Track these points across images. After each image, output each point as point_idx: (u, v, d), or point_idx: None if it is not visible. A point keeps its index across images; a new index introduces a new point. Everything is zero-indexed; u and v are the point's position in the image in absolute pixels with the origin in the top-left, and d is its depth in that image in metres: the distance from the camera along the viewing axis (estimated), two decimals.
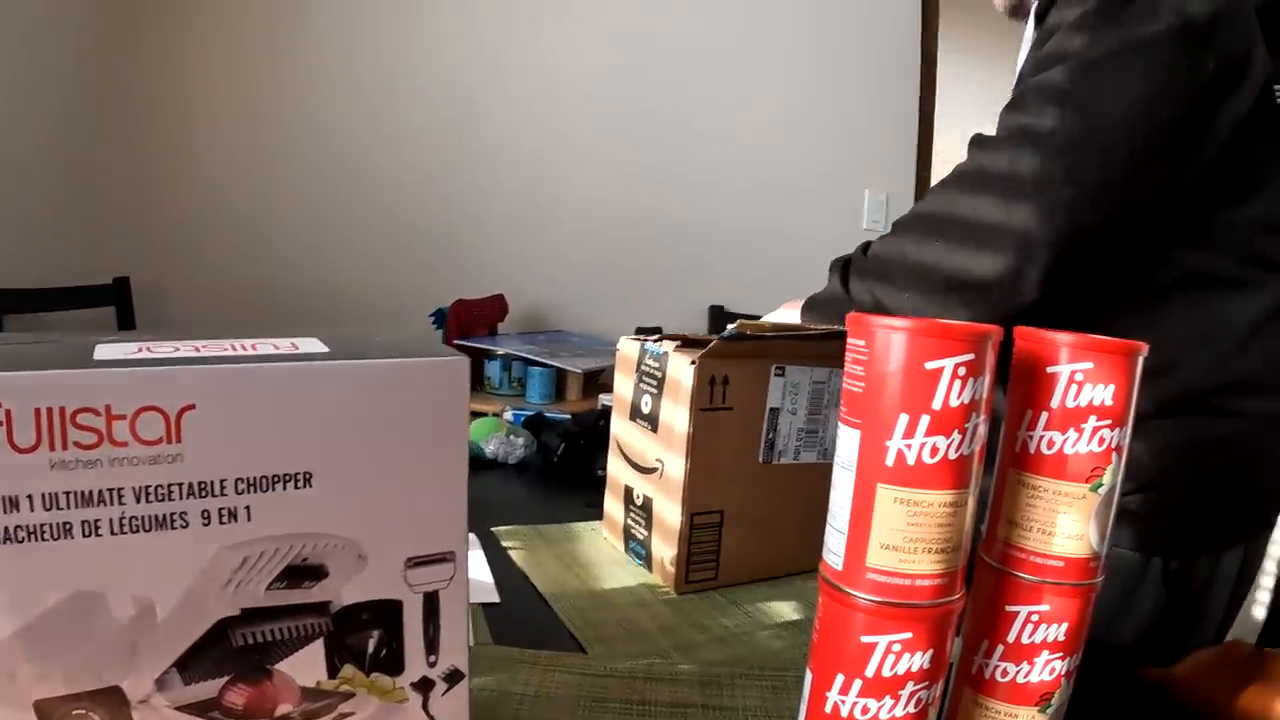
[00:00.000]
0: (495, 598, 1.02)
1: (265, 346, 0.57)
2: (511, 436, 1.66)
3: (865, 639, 0.62)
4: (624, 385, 1.20)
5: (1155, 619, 1.10)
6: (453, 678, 0.64)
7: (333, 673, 0.59)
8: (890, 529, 0.61)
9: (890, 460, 0.60)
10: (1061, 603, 0.70)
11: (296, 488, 0.55)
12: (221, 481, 0.53)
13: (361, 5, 2.87)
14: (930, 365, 0.58)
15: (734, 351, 1.03)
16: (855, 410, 0.63)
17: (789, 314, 1.25)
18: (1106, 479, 0.68)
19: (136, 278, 2.59)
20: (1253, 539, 1.07)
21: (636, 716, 0.78)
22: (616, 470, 1.21)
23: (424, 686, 0.63)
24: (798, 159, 3.41)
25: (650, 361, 1.12)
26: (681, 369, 1.04)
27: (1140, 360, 0.68)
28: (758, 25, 3.36)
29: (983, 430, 0.61)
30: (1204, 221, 1.04)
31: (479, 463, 1.64)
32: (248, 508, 0.54)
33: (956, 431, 0.59)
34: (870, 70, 3.50)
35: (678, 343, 1.11)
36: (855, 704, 0.64)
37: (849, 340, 0.63)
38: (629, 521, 1.16)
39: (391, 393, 0.58)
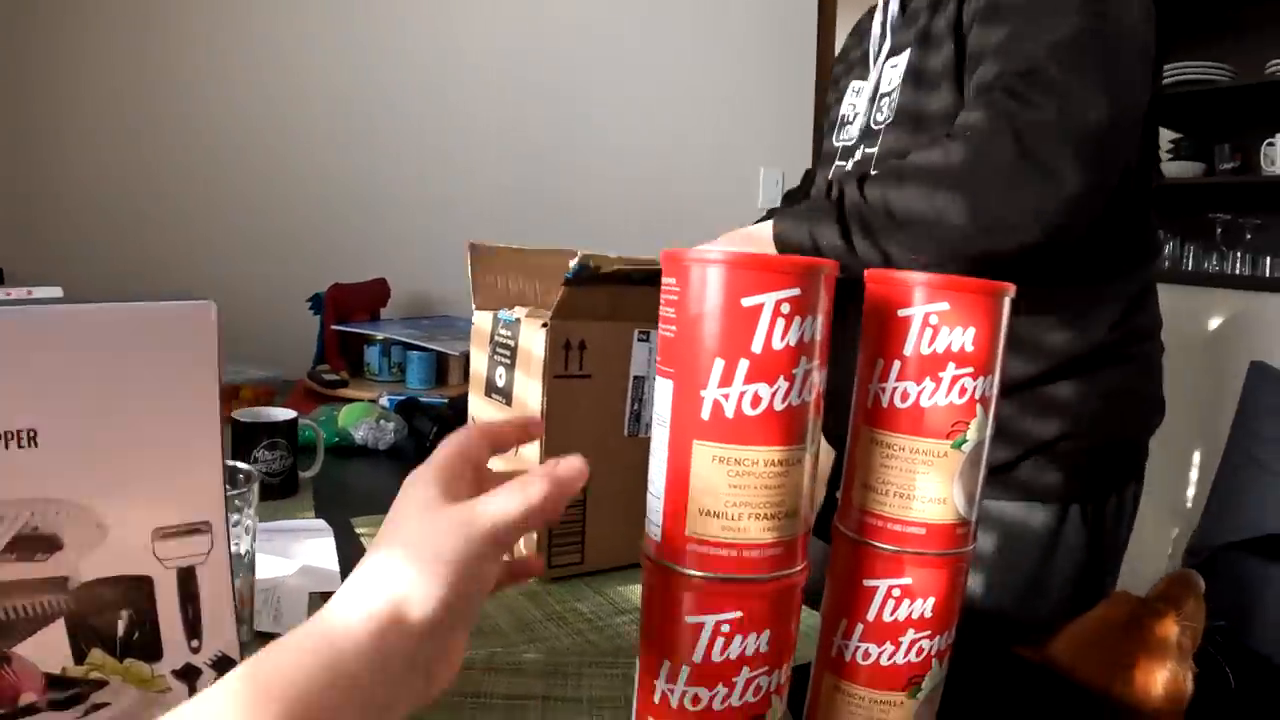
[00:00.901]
0: (337, 586, 0.94)
1: None
2: (382, 421, 1.61)
3: (690, 619, 0.55)
4: (479, 360, 1.11)
5: (1081, 566, 1.16)
6: (222, 665, 0.57)
7: (79, 658, 0.52)
8: (710, 492, 0.53)
9: (706, 413, 0.52)
10: (926, 575, 0.62)
11: (20, 446, 0.48)
12: None
13: None
14: (748, 302, 0.50)
15: (591, 311, 0.95)
16: (669, 358, 0.55)
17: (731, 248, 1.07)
18: (971, 434, 0.60)
19: (8, 270, 2.52)
20: (1139, 473, 1.25)
21: (470, 710, 0.71)
22: None
23: (188, 675, 0.56)
24: (693, 138, 3.33)
25: (503, 331, 1.05)
26: (533, 336, 0.96)
27: (1007, 301, 0.60)
28: (651, 3, 3.29)
29: (818, 380, 0.53)
30: (1128, 184, 1.09)
31: (349, 450, 1.59)
32: None
33: (782, 378, 0.51)
34: (765, 49, 3.42)
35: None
36: (685, 693, 0.56)
37: (663, 280, 0.56)
38: None
39: (127, 342, 0.51)
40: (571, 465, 0.51)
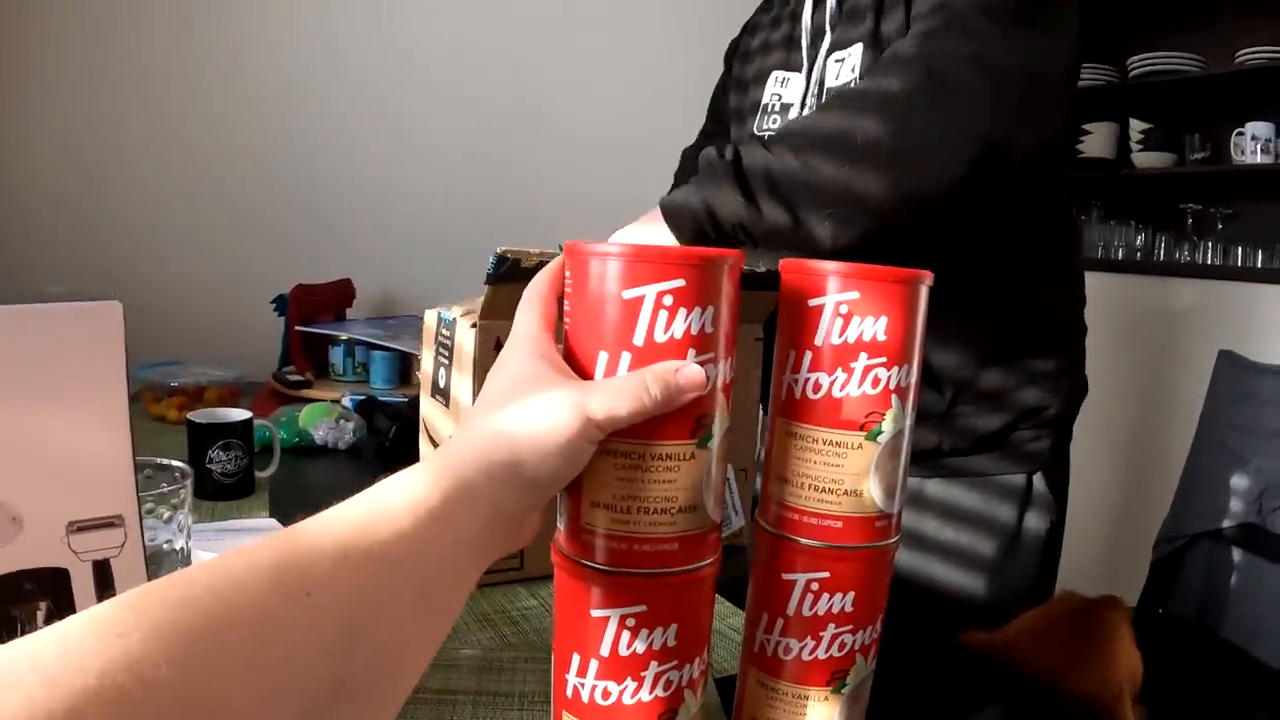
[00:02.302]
0: None
1: None
2: (341, 421, 1.60)
3: (596, 613, 0.54)
4: (427, 360, 1.09)
5: (1048, 535, 1.23)
6: None
7: None
8: (600, 485, 0.52)
9: None
10: (845, 569, 0.61)
11: None
12: None
13: None
14: (629, 294, 0.50)
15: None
16: (567, 353, 0.54)
17: (651, 230, 1.05)
18: (887, 425, 0.59)
19: None
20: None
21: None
22: (426, 454, 1.11)
23: None
24: (650, 135, 3.28)
25: (444, 331, 1.02)
26: (466, 334, 0.95)
27: (924, 290, 0.60)
28: (607, 1, 3.29)
29: (718, 371, 0.53)
30: (1056, 176, 1.20)
31: (309, 450, 1.58)
32: None
33: None
34: (724, 47, 3.36)
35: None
36: (595, 687, 0.55)
37: (566, 272, 0.55)
38: None
39: (35, 341, 0.52)
40: (691, 377, 0.50)
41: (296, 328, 2.20)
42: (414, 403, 1.63)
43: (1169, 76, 3.18)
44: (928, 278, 0.60)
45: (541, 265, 0.87)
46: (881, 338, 0.58)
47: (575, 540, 0.54)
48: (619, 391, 0.49)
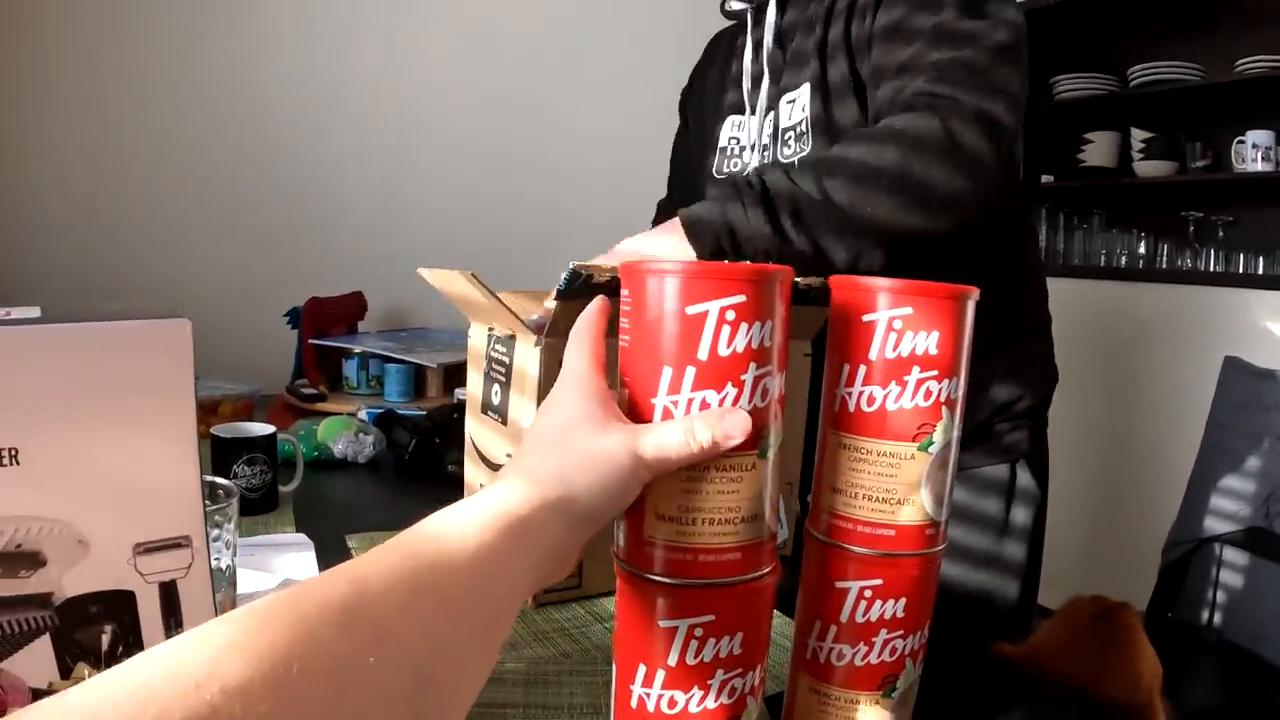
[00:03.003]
0: None
1: None
2: (360, 435, 1.61)
3: (664, 623, 0.55)
4: (474, 380, 1.09)
5: (1034, 523, 1.28)
6: None
7: (65, 672, 0.53)
8: (664, 497, 0.53)
9: (657, 419, 0.53)
10: (897, 576, 0.63)
11: (2, 465, 0.49)
12: None
13: None
14: (692, 310, 0.51)
15: None
16: (625, 368, 0.55)
17: (663, 240, 1.07)
18: (938, 436, 0.61)
19: None
20: None
21: None
22: (471, 473, 1.10)
23: None
24: (662, 148, 3.32)
25: (497, 348, 1.02)
26: (527, 355, 0.94)
27: (971, 304, 0.61)
28: (616, 11, 3.30)
29: (774, 384, 0.54)
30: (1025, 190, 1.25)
31: (329, 463, 1.58)
32: None
33: (731, 385, 0.52)
34: None
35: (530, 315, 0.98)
36: (662, 696, 0.56)
37: (621, 291, 0.56)
38: None
39: (104, 359, 0.51)
40: (738, 424, 0.52)
41: (310, 341, 2.21)
42: (432, 415, 1.65)
43: (1169, 86, 3.20)
44: (974, 293, 0.61)
45: (615, 281, 0.88)
46: (933, 351, 0.59)
47: (640, 554, 0.55)
48: (669, 436, 0.51)
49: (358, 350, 2.18)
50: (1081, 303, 3.45)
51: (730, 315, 0.51)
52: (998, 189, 1.04)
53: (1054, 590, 3.09)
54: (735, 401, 0.52)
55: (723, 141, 1.39)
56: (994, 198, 1.04)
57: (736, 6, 1.40)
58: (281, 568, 1.03)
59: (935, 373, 0.60)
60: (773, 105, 1.28)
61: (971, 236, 1.17)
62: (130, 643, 0.55)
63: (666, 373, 0.52)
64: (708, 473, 0.53)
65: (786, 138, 1.26)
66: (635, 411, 0.54)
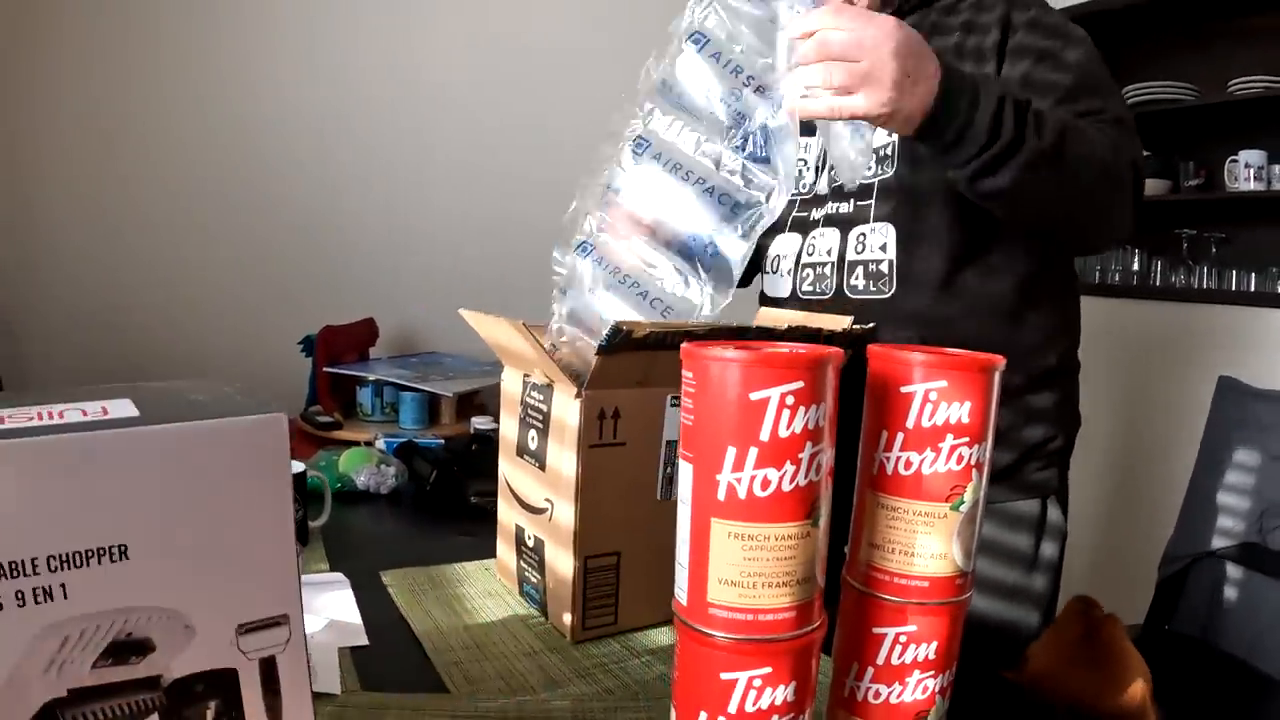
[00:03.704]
0: (363, 640, 0.98)
1: (73, 413, 0.53)
2: (382, 466, 1.63)
3: (725, 676, 0.61)
4: (509, 424, 1.11)
5: (1059, 557, 1.33)
6: None
7: None
8: (727, 564, 0.59)
9: (722, 494, 0.58)
10: (928, 622, 0.68)
11: (112, 561, 0.52)
12: (33, 560, 0.50)
13: (217, 20, 2.80)
14: (755, 396, 0.57)
15: (625, 378, 0.95)
16: (688, 443, 0.61)
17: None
18: (968, 496, 0.66)
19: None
20: None
21: None
22: (506, 513, 1.13)
23: None
24: None
25: (534, 394, 1.04)
26: (566, 405, 0.97)
27: (997, 375, 0.67)
28: (627, 27, 3.33)
29: (826, 459, 0.60)
30: None
31: (351, 495, 1.60)
32: (63, 585, 0.50)
33: (789, 463, 0.57)
34: None
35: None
36: None
37: (683, 372, 0.62)
38: (521, 564, 1.09)
39: (206, 456, 0.54)
40: None
41: (325, 368, 2.25)
42: (451, 446, 1.68)
43: (1163, 106, 3.26)
44: (1001, 363, 0.67)
45: (653, 336, 0.92)
46: (965, 420, 0.65)
47: (703, 613, 0.61)
48: None
49: (372, 378, 2.22)
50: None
51: (790, 400, 0.56)
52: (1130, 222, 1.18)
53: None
54: (793, 477, 0.57)
55: None
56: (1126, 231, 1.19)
57: None
58: (324, 608, 1.05)
59: (967, 439, 0.65)
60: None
61: (1064, 269, 1.33)
62: (233, 716, 0.58)
63: (731, 452, 0.57)
64: (768, 542, 0.58)
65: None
66: (701, 484, 0.59)
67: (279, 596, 0.58)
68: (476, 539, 1.26)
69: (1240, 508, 2.47)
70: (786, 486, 0.57)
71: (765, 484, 0.57)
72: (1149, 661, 1.10)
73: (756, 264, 1.48)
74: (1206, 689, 2.31)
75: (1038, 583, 1.31)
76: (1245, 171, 3.11)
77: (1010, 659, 1.18)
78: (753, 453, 0.57)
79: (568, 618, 1.00)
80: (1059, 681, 0.96)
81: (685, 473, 0.61)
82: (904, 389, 0.66)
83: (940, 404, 0.65)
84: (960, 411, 0.65)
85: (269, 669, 0.58)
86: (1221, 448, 2.51)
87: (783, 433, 0.57)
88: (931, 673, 0.69)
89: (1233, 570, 2.43)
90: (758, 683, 0.60)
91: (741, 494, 0.58)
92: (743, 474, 0.57)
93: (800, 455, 0.57)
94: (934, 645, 0.68)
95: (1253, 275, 3.15)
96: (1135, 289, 3.46)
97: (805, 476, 0.58)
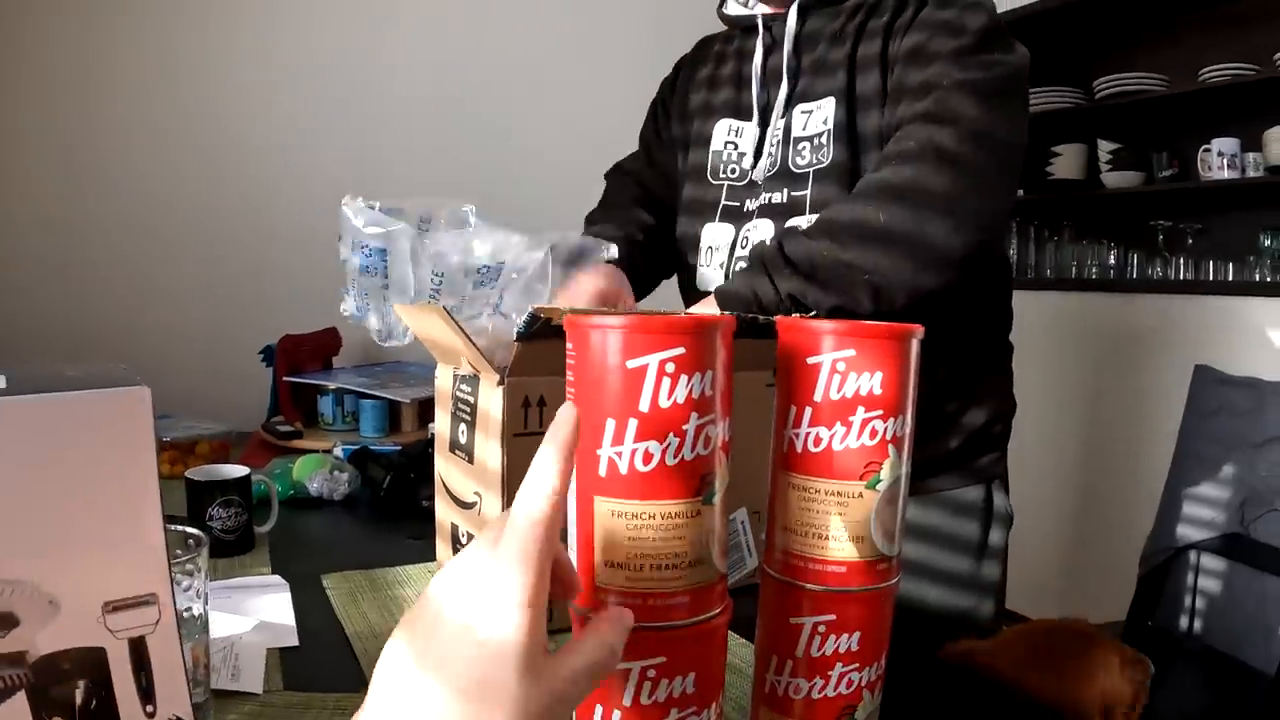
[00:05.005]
0: (294, 641, 0.97)
1: None
2: (335, 472, 1.61)
3: (618, 666, 0.57)
4: (442, 419, 1.11)
5: (1006, 527, 1.35)
6: None
7: None
8: (612, 544, 0.55)
9: (603, 470, 0.54)
10: (849, 610, 0.64)
11: None
12: None
13: (175, 29, 2.76)
14: (632, 364, 0.52)
15: (547, 365, 0.92)
16: None
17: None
18: (885, 474, 0.62)
19: None
20: None
21: None
22: (442, 511, 1.12)
23: None
24: None
25: (463, 388, 1.03)
26: (491, 395, 0.95)
27: (915, 343, 0.63)
28: (592, 39, 3.34)
29: (716, 431, 0.55)
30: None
31: (304, 501, 1.59)
32: None
33: (673, 435, 0.53)
34: None
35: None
36: None
37: (566, 343, 0.58)
38: None
39: (67, 429, 0.53)
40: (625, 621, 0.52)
41: (285, 378, 2.21)
42: (406, 451, 1.65)
43: (1135, 97, 3.24)
44: (919, 331, 0.63)
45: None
46: (878, 391, 0.61)
47: (593, 599, 0.56)
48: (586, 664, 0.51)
49: (332, 387, 2.19)
50: (1054, 315, 3.48)
51: (670, 368, 0.52)
52: (1001, 214, 1.16)
53: (1034, 602, 3.11)
54: (678, 451, 0.53)
55: (717, 144, 1.41)
56: (997, 224, 1.18)
57: (737, 11, 1.42)
58: (257, 610, 1.04)
59: (880, 412, 0.61)
60: (784, 113, 1.31)
61: (997, 255, 1.30)
62: (103, 697, 0.56)
63: (610, 424, 0.53)
64: (654, 520, 0.54)
65: (801, 147, 1.28)
66: (583, 460, 0.55)
67: (147, 575, 0.57)
68: (425, 541, 1.24)
69: (1220, 498, 2.44)
70: (670, 460, 0.53)
71: (647, 458, 0.53)
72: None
73: (676, 253, 1.48)
74: (1191, 682, 2.28)
75: (988, 570, 1.32)
76: (1219, 160, 3.09)
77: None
78: (632, 424, 0.53)
79: None
80: (1026, 671, 0.91)
81: None
82: (810, 360, 0.62)
83: (850, 375, 0.61)
84: (872, 383, 0.61)
85: (139, 649, 0.57)
86: (1199, 437, 2.49)
87: (664, 403, 0.53)
88: (855, 665, 0.65)
89: (1215, 562, 2.41)
90: (652, 673, 0.56)
91: (623, 469, 0.54)
92: (623, 448, 0.53)
93: (685, 427, 0.53)
94: (856, 636, 0.64)
95: (1230, 264, 3.13)
96: (1112, 282, 3.44)
97: (692, 450, 0.54)
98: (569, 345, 0.57)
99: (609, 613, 0.52)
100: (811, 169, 1.26)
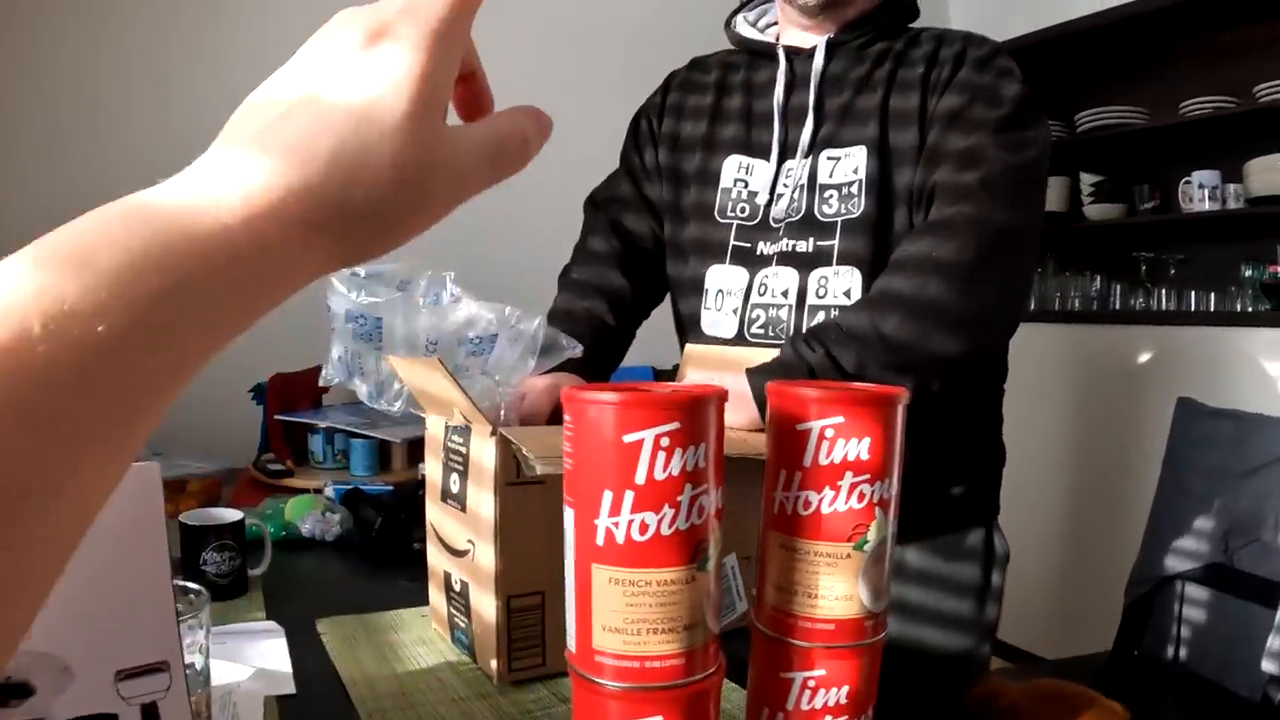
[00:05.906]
0: (291, 689, 0.97)
1: None
2: (327, 514, 1.61)
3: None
4: (434, 468, 1.11)
5: (1004, 566, 1.35)
6: None
7: None
8: (610, 610, 0.57)
9: (600, 539, 0.56)
10: (838, 665, 0.66)
11: None
12: None
13: (174, 25, 2.80)
14: (629, 438, 0.55)
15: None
16: (570, 488, 0.59)
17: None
18: (872, 535, 0.64)
19: None
20: None
21: None
22: (435, 558, 1.11)
23: None
24: None
25: (454, 439, 1.03)
26: (483, 446, 0.96)
27: (900, 407, 0.65)
28: (580, 69, 3.40)
29: (709, 500, 0.57)
30: None
31: (297, 543, 1.58)
32: None
33: (668, 506, 0.55)
34: None
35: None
36: None
37: (564, 415, 0.60)
38: (451, 610, 1.07)
39: None
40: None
41: (276, 416, 2.22)
42: (398, 492, 1.66)
43: (1116, 130, 3.28)
44: (904, 396, 0.65)
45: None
46: (865, 456, 0.63)
47: (590, 662, 0.58)
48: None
49: (323, 425, 2.19)
50: (1038, 347, 3.51)
51: (665, 442, 0.54)
52: (1025, 299, 1.22)
53: (1022, 633, 3.11)
54: (673, 521, 0.55)
55: (726, 182, 1.34)
56: (1021, 311, 1.23)
57: (749, 34, 1.37)
58: (253, 657, 1.04)
59: (867, 476, 0.63)
60: (807, 155, 1.27)
61: None
62: None
63: (607, 496, 0.55)
64: (650, 587, 0.56)
65: (828, 195, 1.24)
66: (581, 529, 0.57)
67: (158, 643, 0.59)
68: (418, 584, 1.24)
69: (1204, 528, 2.46)
70: (666, 530, 0.55)
71: (644, 528, 0.55)
72: (1120, 686, 1.10)
73: (664, 288, 1.47)
74: (1178, 712, 2.30)
75: (989, 611, 1.33)
76: (1200, 192, 3.13)
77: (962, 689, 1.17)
78: (629, 496, 0.55)
79: (494, 662, 0.97)
80: (1039, 710, 0.94)
81: (568, 518, 0.59)
82: (800, 426, 0.64)
83: (838, 441, 0.63)
84: (859, 448, 0.63)
85: (150, 715, 0.58)
86: (1183, 469, 2.51)
87: (659, 475, 0.55)
88: (845, 718, 0.67)
89: (1199, 592, 2.42)
90: None
91: (620, 539, 0.55)
92: (620, 518, 0.55)
93: (679, 498, 0.55)
94: (845, 690, 0.66)
95: (1211, 295, 3.16)
96: (1095, 314, 3.48)
97: (686, 520, 0.56)
98: (567, 417, 0.58)
99: (532, 107, 0.45)
100: (840, 219, 1.22)
